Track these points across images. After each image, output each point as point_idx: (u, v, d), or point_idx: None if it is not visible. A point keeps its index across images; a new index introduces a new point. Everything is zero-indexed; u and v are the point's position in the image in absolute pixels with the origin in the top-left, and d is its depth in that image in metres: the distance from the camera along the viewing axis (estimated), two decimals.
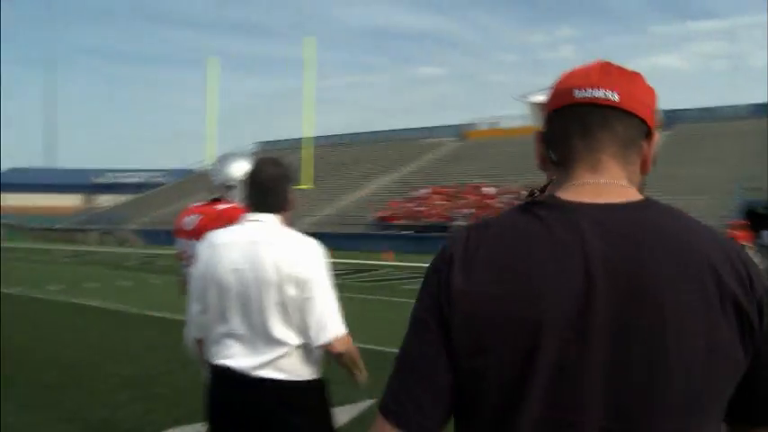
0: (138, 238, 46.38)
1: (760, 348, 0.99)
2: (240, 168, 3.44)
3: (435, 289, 1.04)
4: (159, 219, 49.39)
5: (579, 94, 1.07)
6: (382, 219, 36.44)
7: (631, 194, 1.05)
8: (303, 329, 2.33)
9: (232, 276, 2.34)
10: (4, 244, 39.75)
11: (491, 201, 33.88)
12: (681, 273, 0.96)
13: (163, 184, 61.74)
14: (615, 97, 1.06)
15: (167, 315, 10.68)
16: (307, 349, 2.35)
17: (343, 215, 40.27)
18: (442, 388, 1.02)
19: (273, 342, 2.31)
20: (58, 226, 50.50)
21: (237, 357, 2.34)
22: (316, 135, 62.84)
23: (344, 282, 17.07)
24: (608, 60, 1.12)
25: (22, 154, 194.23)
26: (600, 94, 1.06)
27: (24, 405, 5.63)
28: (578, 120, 1.08)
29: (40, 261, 24.70)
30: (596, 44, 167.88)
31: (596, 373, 0.95)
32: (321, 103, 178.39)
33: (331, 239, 36.68)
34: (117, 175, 71.38)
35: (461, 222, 32.39)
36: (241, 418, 2.37)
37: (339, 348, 2.35)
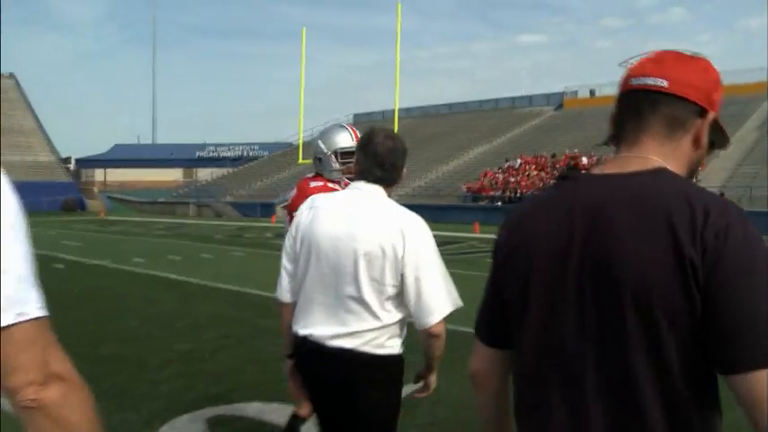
0: (234, 210, 47.54)
1: (705, 296, 1.11)
2: (329, 141, 3.68)
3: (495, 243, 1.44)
4: (256, 192, 50.40)
5: (634, 82, 1.32)
6: (474, 190, 35.55)
7: (649, 164, 1.26)
8: (401, 306, 2.30)
9: (330, 244, 2.30)
10: (110, 217, 41.68)
11: (585, 171, 32.36)
12: (635, 228, 1.17)
13: (260, 157, 62.87)
14: (664, 83, 1.27)
15: (236, 287, 10.51)
16: (397, 325, 2.32)
17: (435, 187, 39.66)
18: (495, 310, 1.42)
19: (364, 315, 2.26)
20: (160, 199, 52.30)
21: (324, 326, 2.30)
22: (410, 106, 62.90)
23: None
24: (672, 50, 1.34)
25: (129, 130, 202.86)
26: (650, 81, 1.29)
27: None
28: (632, 104, 1.32)
29: (134, 234, 25.40)
30: (708, 3, 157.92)
31: (572, 306, 1.23)
32: (419, 73, 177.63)
33: (421, 211, 36.78)
34: (218, 148, 73.31)
35: None
36: (324, 389, 2.38)
37: (437, 331, 2.30)
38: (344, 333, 2.27)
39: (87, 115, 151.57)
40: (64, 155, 66.19)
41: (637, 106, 1.30)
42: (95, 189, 63.56)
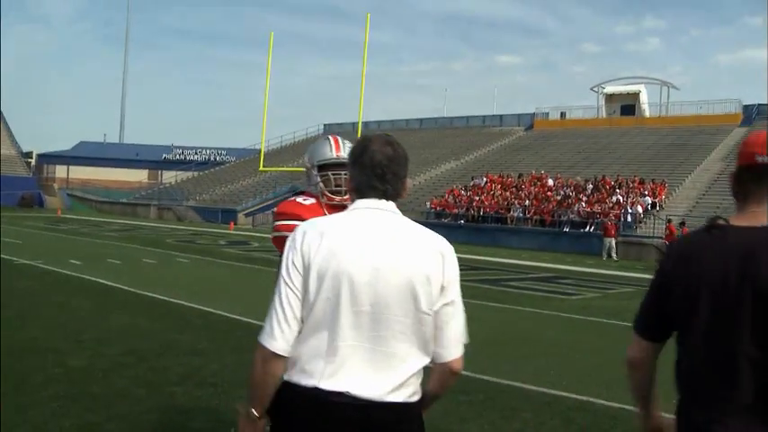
0: (195, 214, 46.68)
1: None
2: (311, 153, 3.40)
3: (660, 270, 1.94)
4: (219, 197, 49.58)
5: (759, 159, 1.80)
6: (438, 207, 35.19)
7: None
8: (427, 343, 1.97)
9: (366, 278, 1.89)
10: (66, 215, 40.55)
11: (550, 193, 32.16)
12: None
13: (227, 163, 62.03)
14: None
15: (163, 297, 9.90)
16: (424, 367, 1.99)
17: (400, 201, 39.16)
18: (657, 316, 1.93)
19: (410, 359, 1.94)
20: (121, 200, 51.23)
21: (359, 377, 1.89)
22: (381, 120, 62.67)
23: None
24: None
25: (96, 129, 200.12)
26: None
27: None
28: (756, 174, 1.82)
29: (82, 234, 24.58)
30: (684, 36, 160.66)
31: (731, 320, 1.74)
32: (398, 88, 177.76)
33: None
34: (184, 151, 72.22)
35: (517, 214, 30.90)
36: None
37: (460, 367, 2.05)
38: (392, 385, 1.91)
39: (53, 111, 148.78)
40: (26, 149, 64.58)
41: (759, 176, 1.81)
42: (56, 186, 62.08)
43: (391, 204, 2.05)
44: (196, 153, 69.07)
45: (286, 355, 1.93)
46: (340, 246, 1.93)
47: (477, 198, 34.11)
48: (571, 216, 28.98)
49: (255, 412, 1.97)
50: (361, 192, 2.05)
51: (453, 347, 2.01)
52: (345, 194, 3.13)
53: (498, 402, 5.40)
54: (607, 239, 24.68)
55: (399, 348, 1.92)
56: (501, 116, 54.64)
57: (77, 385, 5.29)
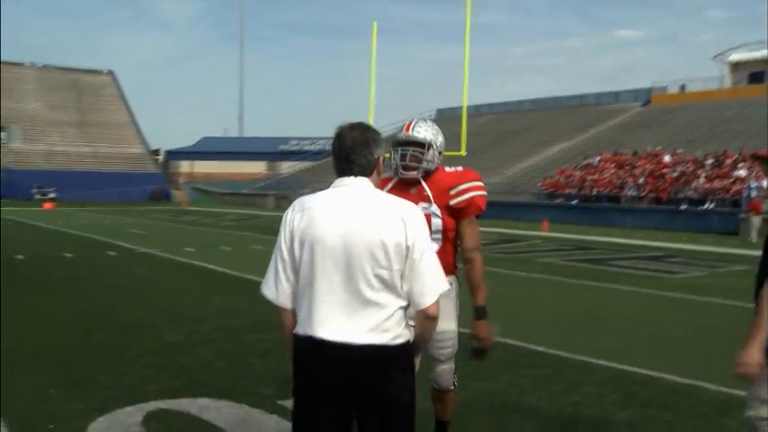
0: None
1: None
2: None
3: None
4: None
5: None
6: (549, 187, 34.53)
7: None
8: (403, 292, 2.33)
9: (336, 241, 2.30)
10: (190, 207, 42.97)
11: (666, 170, 30.74)
12: None
13: None
14: None
15: (258, 278, 10.43)
16: (404, 311, 2.37)
17: (512, 183, 38.80)
18: None
19: (375, 306, 2.29)
20: (242, 191, 53.52)
21: (342, 326, 2.29)
22: (494, 102, 61.88)
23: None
24: None
25: (217, 124, 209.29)
26: None
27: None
28: None
29: (201, 224, 26.05)
30: None
31: None
32: (512, 70, 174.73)
33: (494, 208, 36.10)
34: (300, 142, 74.38)
35: (631, 193, 29.83)
36: (345, 386, 2.31)
37: (434, 312, 2.37)
38: (366, 329, 2.29)
39: (178, 109, 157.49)
40: (154, 147, 68.73)
41: None
42: (181, 180, 65.78)
43: (360, 179, 2.42)
44: (311, 143, 70.93)
45: (287, 307, 2.44)
46: (316, 218, 2.36)
47: (590, 178, 33.17)
48: (689, 193, 27.66)
49: (290, 356, 2.49)
50: (337, 172, 2.47)
51: (426, 296, 2.34)
52: (411, 170, 3.44)
53: (563, 376, 5.44)
54: (755, 218, 21.99)
55: (373, 297, 2.30)
56: (616, 93, 52.55)
57: (169, 357, 5.82)
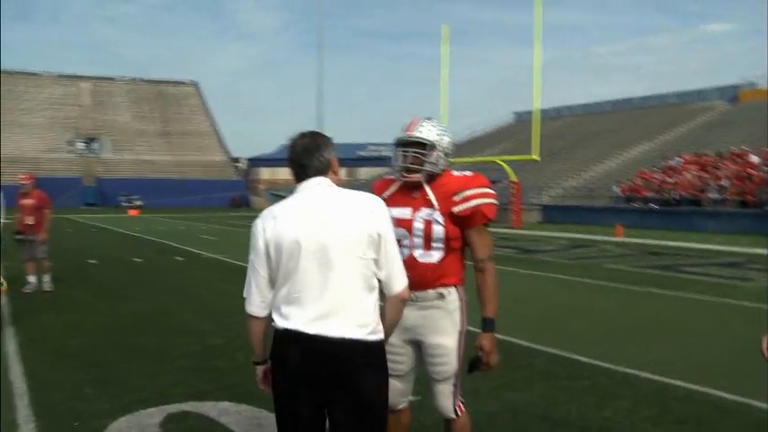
0: None
1: None
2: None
3: None
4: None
5: None
6: (627, 191, 33.48)
7: None
8: (376, 284, 2.44)
9: (305, 241, 2.37)
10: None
11: (753, 171, 29.24)
12: None
13: None
14: None
15: None
16: (378, 307, 2.45)
17: (588, 187, 37.85)
18: None
19: (353, 301, 2.37)
20: None
21: (315, 318, 2.36)
22: (572, 104, 60.61)
23: (542, 258, 15.86)
24: None
25: (297, 131, 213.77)
26: None
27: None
28: None
29: None
30: None
31: None
32: (595, 69, 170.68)
33: (567, 212, 35.36)
34: (378, 147, 74.87)
35: (714, 196, 28.54)
36: (320, 381, 2.37)
37: (408, 295, 2.54)
38: (344, 323, 2.36)
39: (260, 117, 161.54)
40: (235, 155, 70.60)
41: None
42: (261, 187, 67.28)
43: (320, 179, 2.49)
44: (389, 149, 71.21)
45: (259, 316, 2.49)
46: (288, 221, 2.41)
47: (670, 180, 31.97)
48: None
49: (254, 359, 2.60)
50: (294, 179, 2.54)
51: (397, 281, 2.49)
52: (412, 172, 3.21)
53: (600, 389, 5.22)
54: None
55: (351, 292, 2.38)
56: (700, 91, 50.56)
57: (206, 360, 5.92)
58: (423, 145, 3.21)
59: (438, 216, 3.17)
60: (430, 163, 3.21)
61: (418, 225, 3.18)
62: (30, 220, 10.00)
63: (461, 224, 3.18)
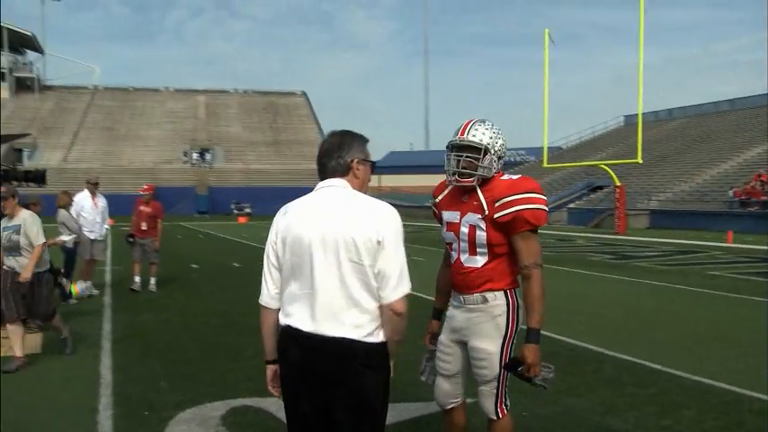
0: None
1: None
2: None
3: None
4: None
5: None
6: (743, 195, 31.67)
7: None
8: (372, 288, 2.42)
9: (307, 240, 2.44)
10: None
11: None
12: None
13: (526, 162, 62.53)
14: None
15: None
16: (378, 311, 2.44)
17: (701, 191, 36.08)
18: None
19: (350, 302, 2.40)
20: (426, 203, 54.44)
21: (312, 317, 2.43)
22: (686, 105, 57.96)
23: (640, 264, 15.32)
24: None
25: (404, 139, 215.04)
26: None
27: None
28: None
29: None
30: None
31: None
32: (717, 67, 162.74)
33: (682, 218, 33.73)
34: None
35: None
36: (316, 377, 2.44)
37: (401, 309, 2.43)
38: (340, 323, 2.41)
39: (367, 125, 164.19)
40: None
41: None
42: (369, 193, 68.14)
43: (336, 180, 2.55)
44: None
45: (271, 307, 2.57)
46: (295, 219, 2.51)
47: None
48: None
49: (265, 358, 2.66)
50: (319, 174, 2.61)
51: (391, 291, 2.41)
52: (465, 176, 3.18)
53: (666, 397, 5.06)
54: None
55: (348, 293, 2.40)
56: None
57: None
58: (476, 149, 3.17)
59: (480, 222, 3.15)
60: (483, 167, 3.16)
61: (464, 230, 3.20)
62: (144, 226, 10.75)
63: (505, 230, 3.12)
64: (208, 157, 65.18)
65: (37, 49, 75.48)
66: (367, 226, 2.40)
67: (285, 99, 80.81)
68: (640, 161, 26.98)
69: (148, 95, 77.76)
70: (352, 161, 2.56)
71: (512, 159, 65.86)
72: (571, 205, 43.43)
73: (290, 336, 2.48)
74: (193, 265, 14.59)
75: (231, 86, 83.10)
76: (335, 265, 2.40)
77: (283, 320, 2.51)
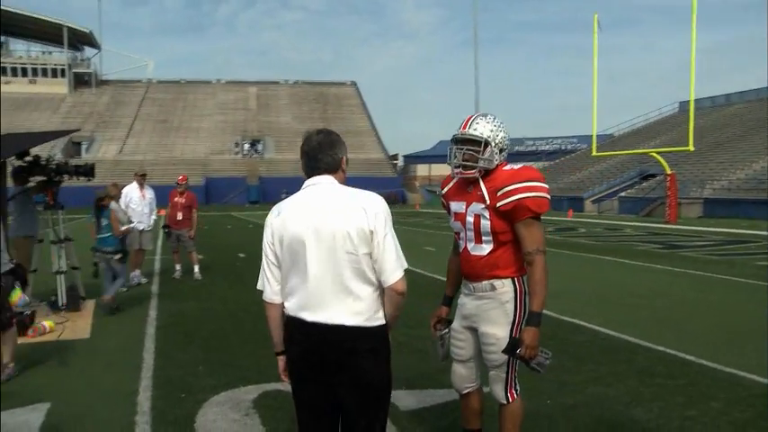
0: None
1: None
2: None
3: None
4: (566, 185, 49.66)
5: None
6: None
7: None
8: (372, 276, 2.57)
9: (303, 235, 2.58)
10: (423, 209, 44.48)
11: None
12: None
13: (577, 150, 61.72)
14: None
15: (429, 274, 10.70)
16: (379, 297, 2.61)
17: (757, 179, 35.03)
18: None
19: (348, 291, 2.56)
20: None
21: (315, 307, 2.58)
22: (746, 89, 56.26)
23: (687, 254, 15.05)
24: None
25: (453, 128, 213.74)
26: None
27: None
28: None
29: (427, 225, 27.31)
30: None
31: None
32: None
33: (735, 207, 33.03)
34: (536, 142, 73.60)
35: None
36: (321, 364, 2.59)
37: (402, 288, 2.60)
38: (341, 311, 2.56)
39: (417, 115, 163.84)
40: (392, 152, 72.16)
41: None
42: (417, 183, 68.30)
43: (326, 177, 2.69)
44: (546, 143, 69.89)
45: (274, 302, 2.73)
46: (289, 217, 2.65)
47: None
48: None
49: (275, 350, 2.84)
50: (306, 173, 2.73)
51: (391, 273, 2.57)
52: (468, 169, 3.31)
53: (695, 388, 5.03)
54: None
55: (346, 283, 2.56)
56: None
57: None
58: (477, 142, 3.30)
59: (484, 211, 3.28)
60: (483, 159, 3.29)
61: (469, 219, 3.35)
62: (180, 217, 11.08)
63: (509, 218, 3.23)
64: (259, 147, 66.12)
65: (94, 45, 77.59)
66: (359, 217, 2.54)
67: (335, 89, 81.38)
68: (692, 148, 26.39)
69: (200, 88, 79.34)
70: (341, 159, 2.73)
71: (562, 147, 65.18)
72: (622, 194, 42.72)
73: (294, 326, 2.64)
74: (240, 255, 14.93)
75: (282, 77, 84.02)
76: (331, 257, 2.54)
77: (287, 312, 2.67)
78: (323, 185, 2.67)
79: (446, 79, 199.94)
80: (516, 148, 70.30)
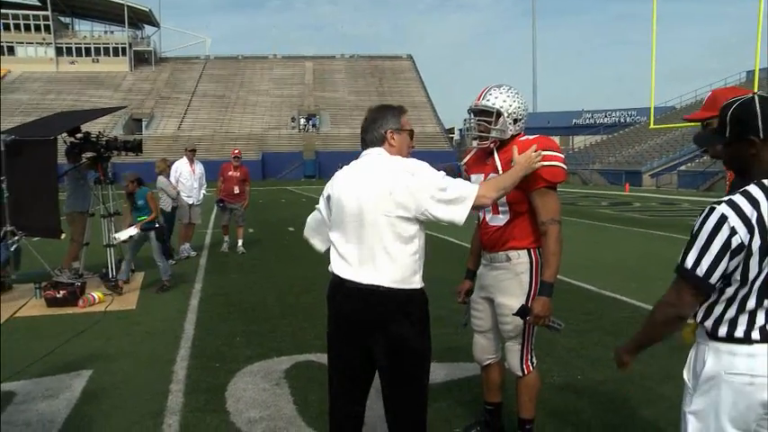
0: (600, 177, 46.51)
1: None
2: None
3: None
4: (624, 159, 48.55)
5: None
6: None
7: None
8: (409, 240, 2.67)
9: (346, 200, 2.75)
10: None
11: None
12: None
13: (636, 123, 60.17)
14: None
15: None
16: (417, 262, 2.70)
17: None
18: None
19: (385, 253, 2.65)
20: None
21: (353, 267, 2.70)
22: None
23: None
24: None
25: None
26: None
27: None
28: None
29: None
30: None
31: None
32: None
33: None
34: (594, 115, 71.95)
35: None
36: (357, 322, 2.70)
37: (487, 201, 2.80)
38: (378, 272, 2.66)
39: (473, 88, 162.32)
40: (448, 126, 71.62)
41: None
42: None
43: (373, 149, 2.85)
44: (605, 116, 68.19)
45: (319, 248, 3.07)
46: (339, 183, 2.86)
47: None
48: None
49: None
50: (362, 147, 2.93)
51: (459, 212, 2.67)
52: (482, 140, 3.36)
53: None
54: None
55: (384, 245, 2.67)
56: None
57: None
58: (489, 113, 3.31)
59: None
60: (496, 129, 3.30)
61: None
62: (236, 190, 11.28)
63: (523, 188, 3.20)
64: (315, 122, 66.56)
65: (153, 23, 79.02)
66: (402, 179, 2.65)
67: (391, 63, 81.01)
68: None
69: (257, 63, 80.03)
70: (386, 132, 2.83)
71: (621, 120, 63.45)
72: (682, 167, 41.51)
73: (335, 284, 2.78)
74: (290, 228, 15.14)
75: (338, 52, 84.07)
76: (370, 220, 2.68)
77: (331, 269, 2.81)
78: (370, 156, 2.83)
79: (503, 52, 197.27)
80: (574, 120, 68.91)
